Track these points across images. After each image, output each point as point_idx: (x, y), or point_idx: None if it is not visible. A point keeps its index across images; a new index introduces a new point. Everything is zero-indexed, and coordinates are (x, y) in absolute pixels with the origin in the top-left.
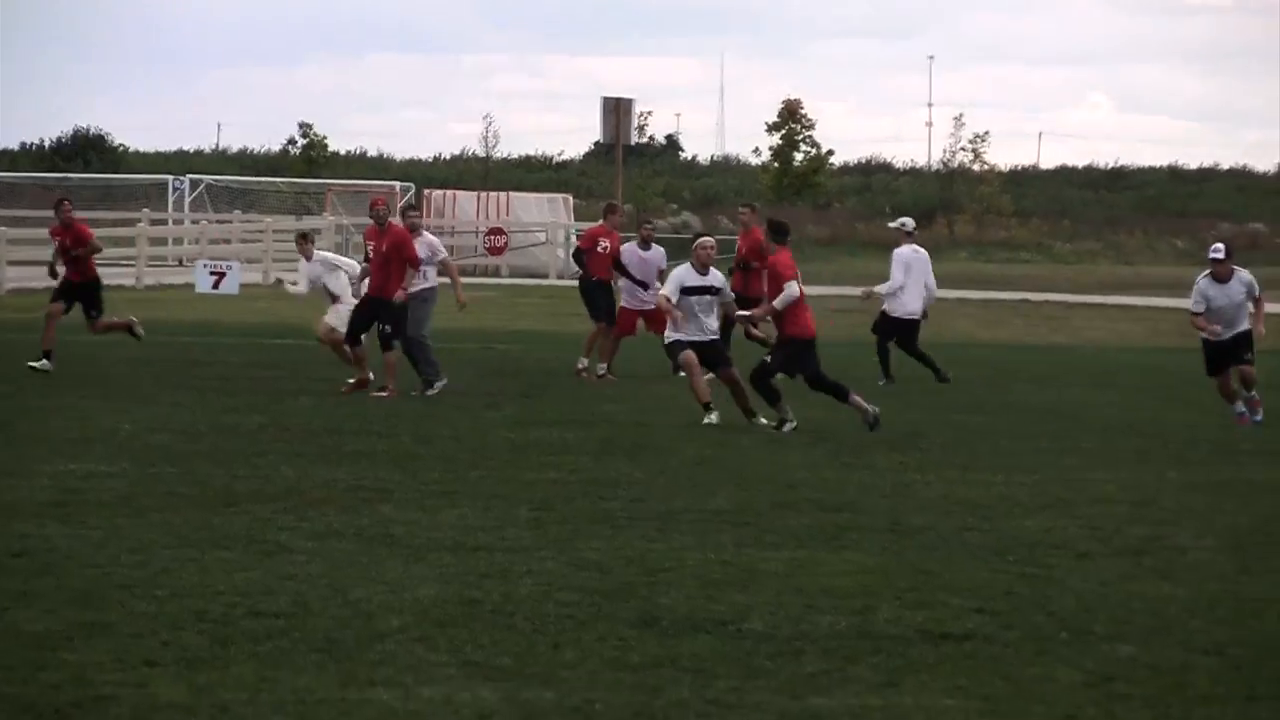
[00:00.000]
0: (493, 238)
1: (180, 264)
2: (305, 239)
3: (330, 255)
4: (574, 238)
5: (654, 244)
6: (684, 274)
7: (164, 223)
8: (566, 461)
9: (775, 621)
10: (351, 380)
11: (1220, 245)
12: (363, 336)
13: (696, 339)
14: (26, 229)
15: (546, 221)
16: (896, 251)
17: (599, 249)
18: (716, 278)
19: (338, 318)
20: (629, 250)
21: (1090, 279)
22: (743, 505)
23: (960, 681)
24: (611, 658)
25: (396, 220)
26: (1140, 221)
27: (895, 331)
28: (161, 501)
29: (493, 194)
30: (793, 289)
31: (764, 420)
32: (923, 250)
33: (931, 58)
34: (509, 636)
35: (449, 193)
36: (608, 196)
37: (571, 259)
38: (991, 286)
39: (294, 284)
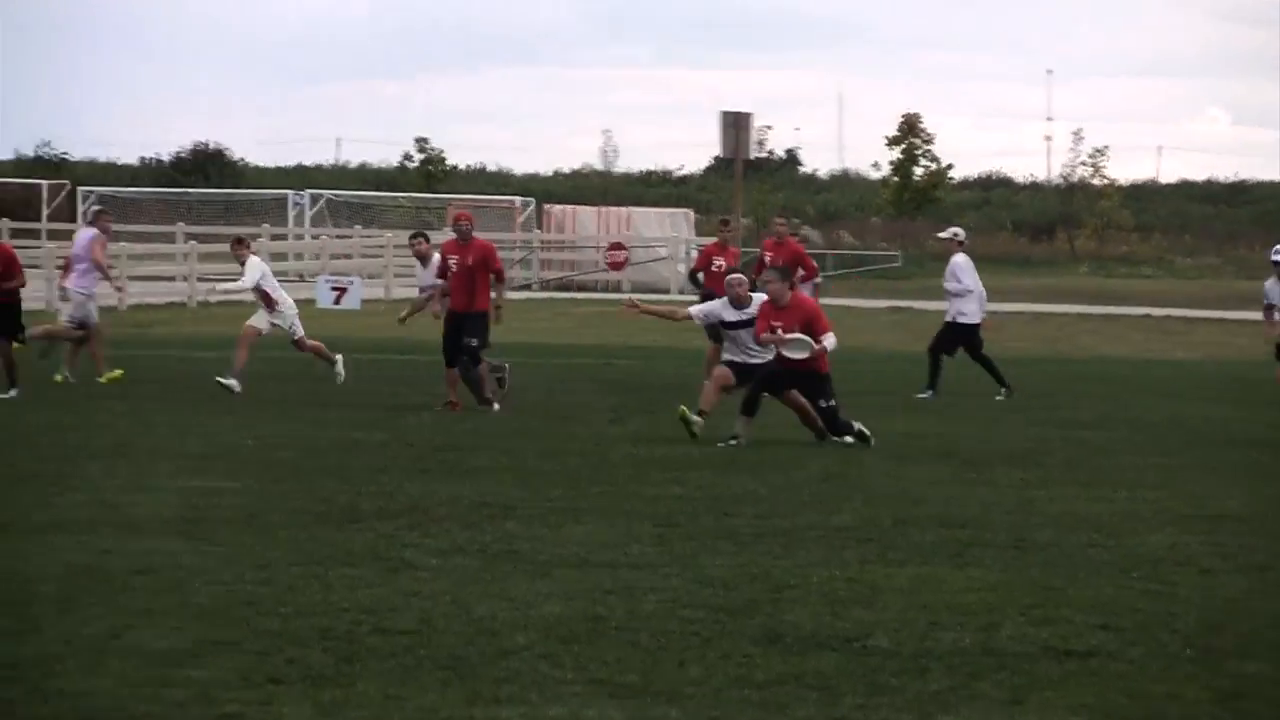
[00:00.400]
0: (613, 253)
1: (301, 279)
2: (241, 243)
3: (258, 262)
4: (694, 253)
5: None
6: (721, 309)
7: (284, 238)
8: (690, 478)
9: (900, 638)
10: (448, 401)
11: None
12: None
13: (743, 360)
14: (148, 244)
15: (667, 236)
16: (956, 259)
17: (714, 267)
18: (758, 306)
19: (265, 321)
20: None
21: (1211, 294)
22: (866, 521)
23: (1085, 699)
24: (737, 675)
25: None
26: (1260, 236)
27: (961, 340)
28: (286, 518)
29: (613, 209)
30: (832, 340)
31: (848, 439)
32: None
33: (1050, 71)
34: (634, 653)
35: (569, 208)
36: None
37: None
38: (1113, 301)
39: (235, 283)
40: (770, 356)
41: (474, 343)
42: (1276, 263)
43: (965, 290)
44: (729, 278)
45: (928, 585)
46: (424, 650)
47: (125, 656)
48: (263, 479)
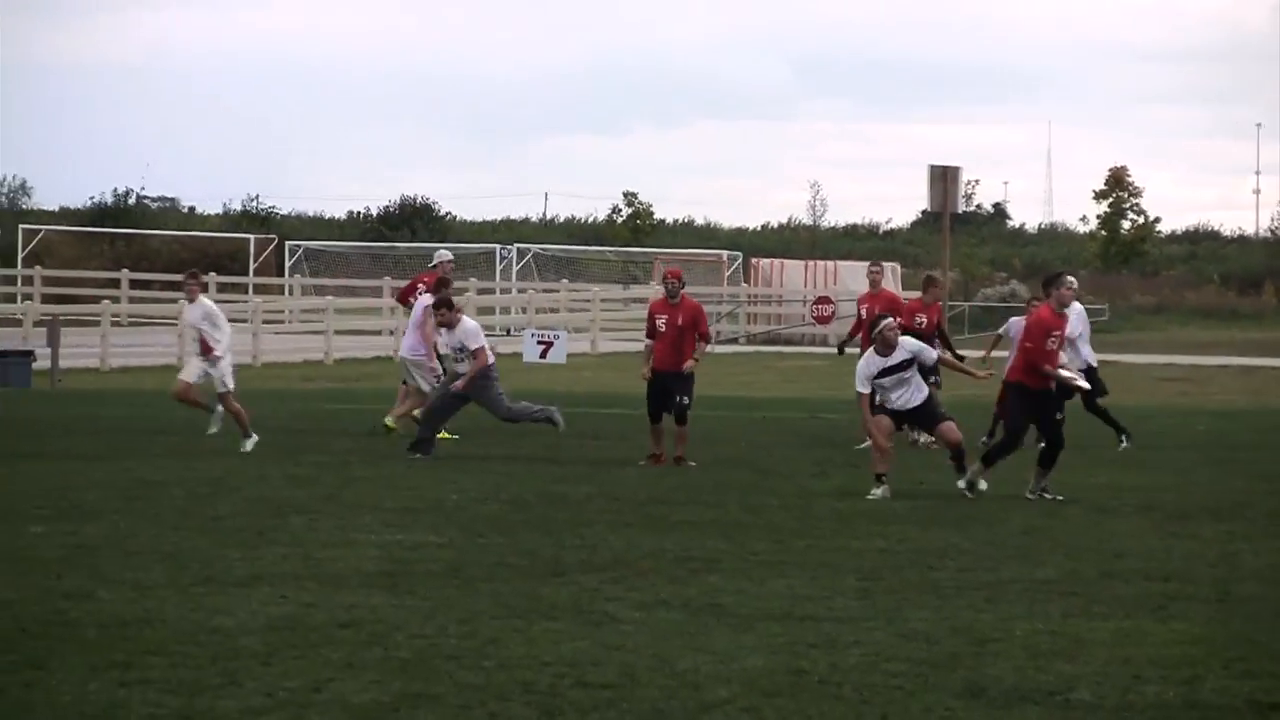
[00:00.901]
0: (820, 306)
1: (508, 333)
2: (194, 277)
3: (214, 308)
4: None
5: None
6: (867, 365)
7: (491, 291)
8: (893, 531)
9: (1102, 691)
10: (652, 454)
11: None
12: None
13: (897, 408)
14: (354, 298)
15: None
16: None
17: (915, 323)
18: (905, 348)
19: (195, 373)
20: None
21: None
22: (1069, 574)
23: None
24: None
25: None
26: None
27: (1097, 381)
28: (489, 572)
29: (820, 262)
30: None
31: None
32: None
33: (1259, 125)
34: (836, 707)
35: (776, 261)
36: (934, 265)
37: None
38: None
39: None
40: (916, 391)
41: (686, 401)
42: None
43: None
44: (883, 323)
45: (1130, 638)
46: (626, 704)
47: (326, 710)
48: (466, 532)
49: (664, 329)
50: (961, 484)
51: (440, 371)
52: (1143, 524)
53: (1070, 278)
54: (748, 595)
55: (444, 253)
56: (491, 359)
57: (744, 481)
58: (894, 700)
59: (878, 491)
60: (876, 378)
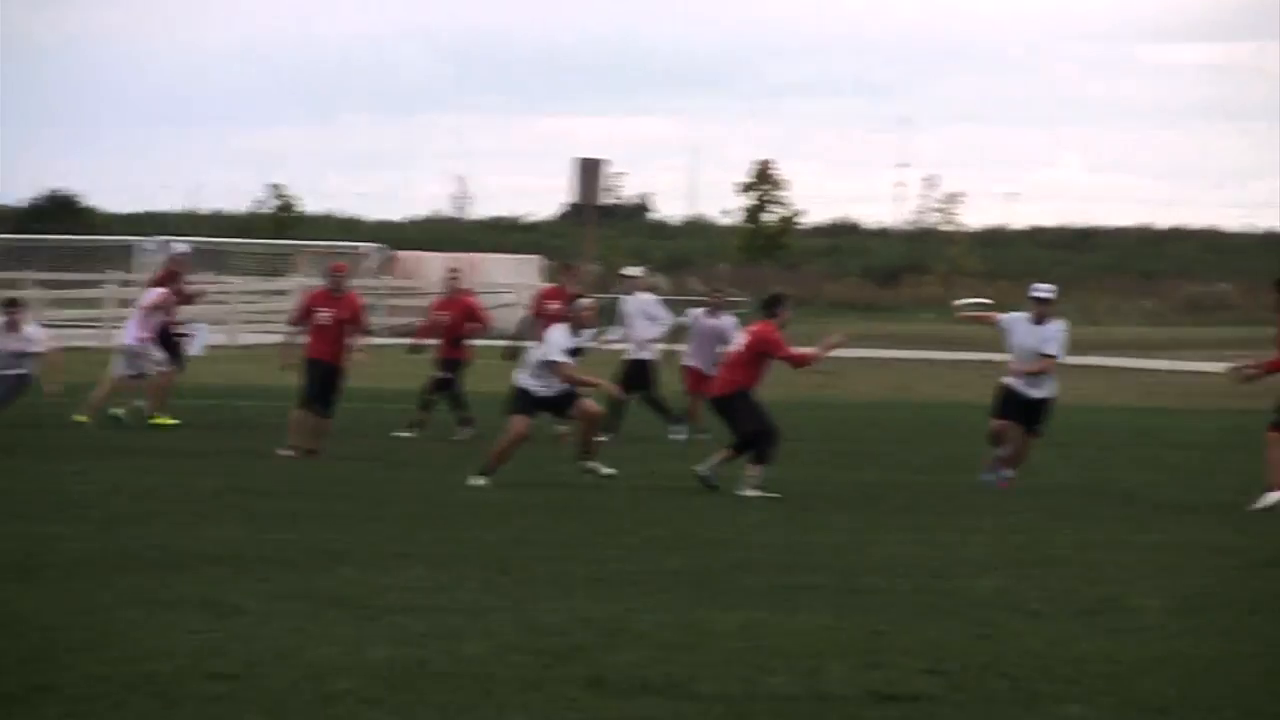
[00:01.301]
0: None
1: None
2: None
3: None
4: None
5: (723, 312)
6: (563, 338)
7: (132, 284)
8: (522, 522)
9: (726, 682)
10: (303, 447)
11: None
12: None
13: (541, 395)
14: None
15: (516, 283)
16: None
17: (550, 310)
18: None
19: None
20: (696, 318)
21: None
22: (698, 566)
23: None
24: (560, 719)
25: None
26: (1108, 282)
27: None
28: (118, 563)
29: (464, 255)
30: None
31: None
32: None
33: (904, 119)
34: (458, 698)
35: (418, 254)
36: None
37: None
38: (958, 347)
39: None
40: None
41: (334, 396)
42: (1040, 299)
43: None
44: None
45: (756, 629)
46: (249, 695)
47: None
48: (98, 524)
49: (327, 322)
50: (702, 470)
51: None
52: (772, 515)
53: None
54: (375, 587)
55: (180, 246)
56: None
57: (374, 474)
58: (517, 691)
59: (480, 481)
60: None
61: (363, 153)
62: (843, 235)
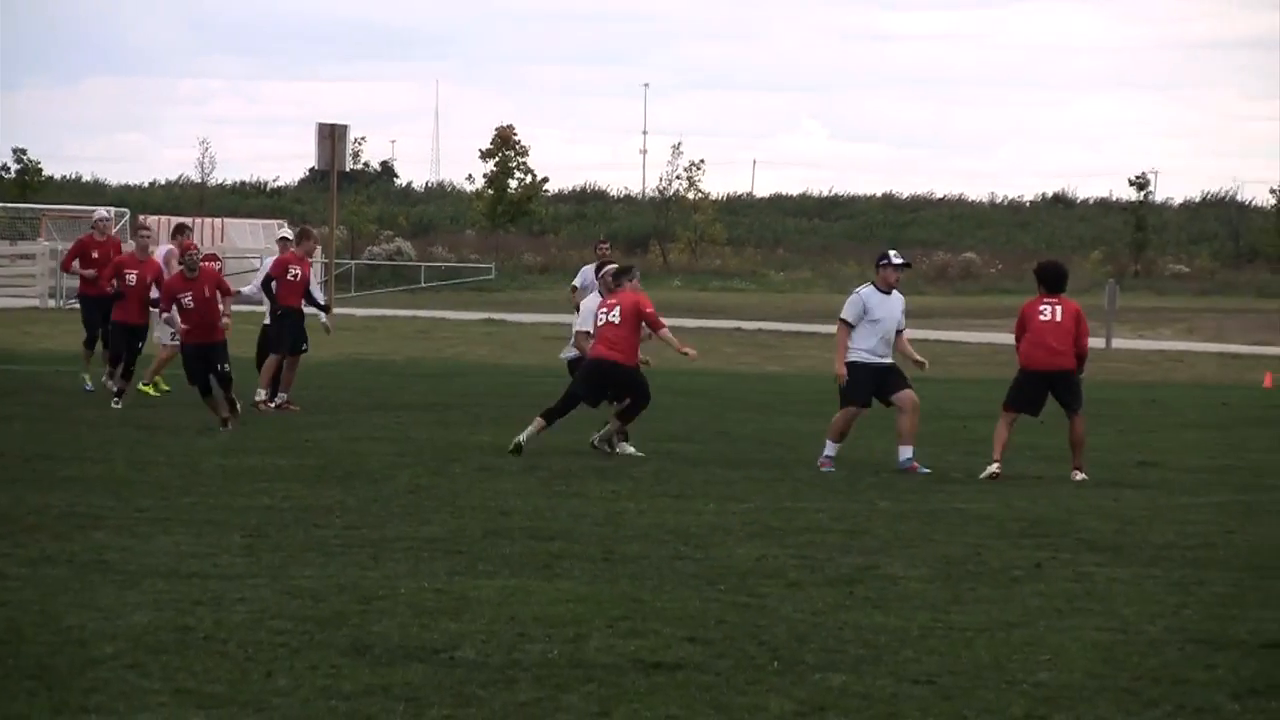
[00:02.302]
0: (206, 264)
1: None
2: None
3: None
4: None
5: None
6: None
7: None
8: (279, 488)
9: (488, 650)
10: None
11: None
12: None
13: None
14: None
15: (261, 248)
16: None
17: (289, 276)
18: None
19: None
20: (585, 272)
21: (803, 307)
22: (455, 533)
23: (672, 710)
24: (324, 686)
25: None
26: (853, 250)
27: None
28: None
29: (208, 220)
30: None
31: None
32: None
33: (647, 85)
34: (221, 663)
35: (163, 219)
36: (323, 223)
37: (260, 287)
38: (705, 315)
39: None
40: None
41: (226, 368)
42: (900, 265)
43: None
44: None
45: (516, 597)
46: (11, 660)
47: None
48: None
49: (191, 305)
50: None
51: None
52: (530, 483)
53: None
54: (133, 552)
55: (101, 211)
56: None
57: (130, 438)
58: (279, 657)
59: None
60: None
61: (105, 117)
62: (589, 202)
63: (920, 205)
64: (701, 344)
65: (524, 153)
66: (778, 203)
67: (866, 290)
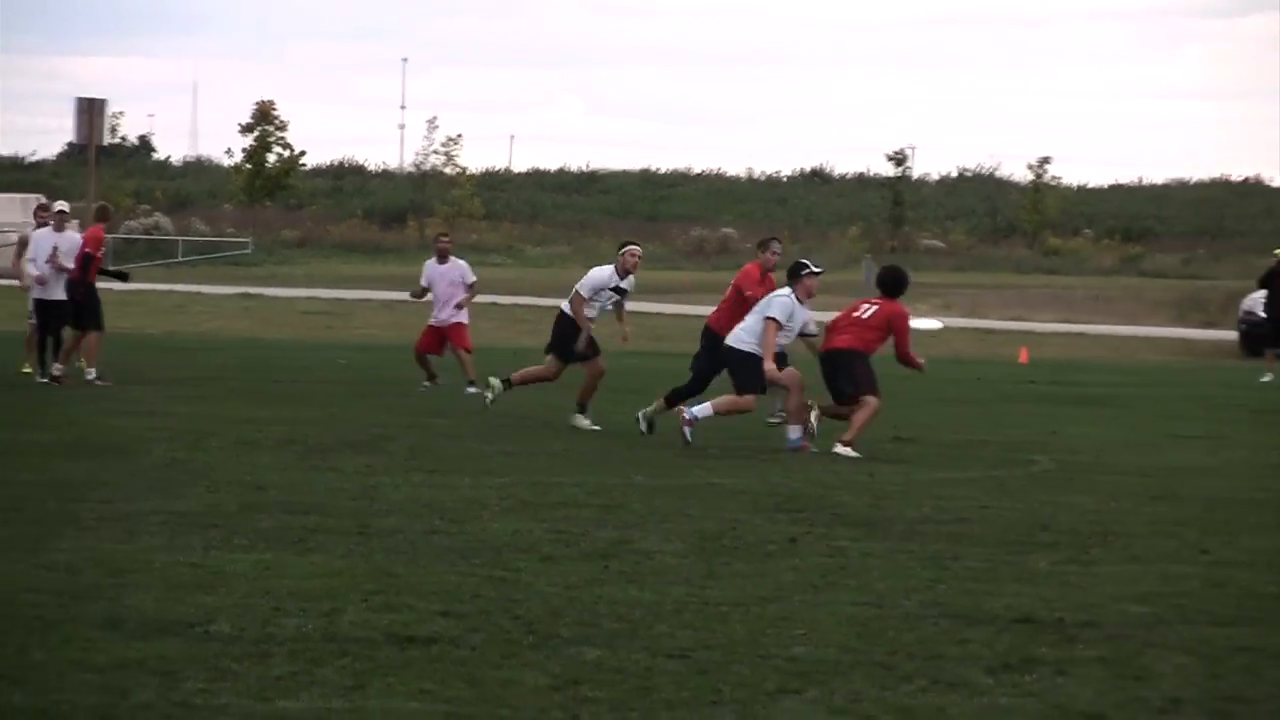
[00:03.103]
0: None
1: None
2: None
3: None
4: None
5: (452, 257)
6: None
7: None
8: (34, 463)
9: (243, 624)
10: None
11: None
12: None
13: None
14: None
15: (19, 221)
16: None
17: (100, 252)
18: None
19: None
20: (429, 265)
21: (560, 282)
22: (210, 507)
23: (426, 685)
24: (77, 659)
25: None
26: (611, 225)
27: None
28: None
29: None
30: None
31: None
32: None
33: (405, 60)
34: None
35: None
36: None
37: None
38: None
39: None
40: None
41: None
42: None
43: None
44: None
45: (271, 571)
46: None
47: None
48: None
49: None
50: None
51: None
52: (285, 457)
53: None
54: None
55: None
56: None
57: None
58: (34, 631)
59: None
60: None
61: None
62: (346, 176)
63: (678, 180)
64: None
65: (283, 127)
66: (535, 178)
67: (792, 299)
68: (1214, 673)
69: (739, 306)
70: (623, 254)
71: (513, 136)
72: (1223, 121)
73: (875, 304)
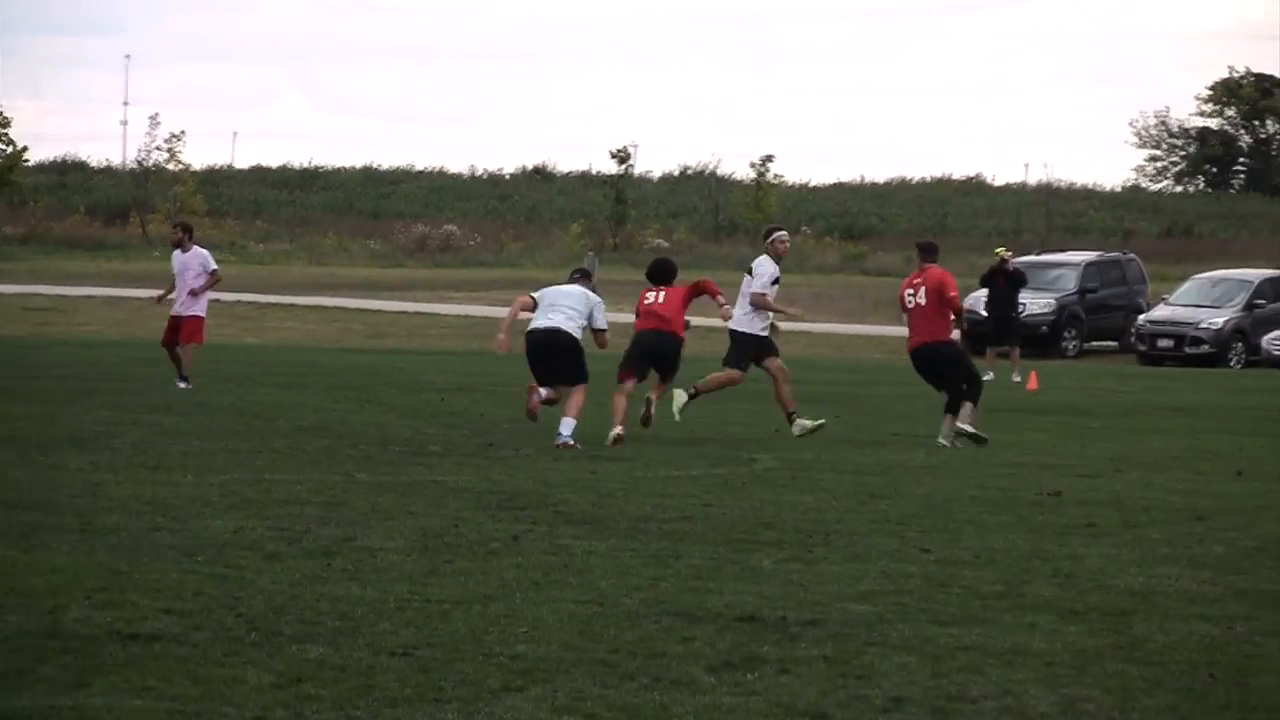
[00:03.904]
0: None
1: None
2: None
3: None
4: None
5: (196, 246)
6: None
7: None
8: None
9: None
10: None
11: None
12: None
13: None
14: None
15: None
16: None
17: None
18: None
19: None
20: (175, 254)
21: (283, 279)
22: None
23: (150, 682)
24: None
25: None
26: (333, 222)
27: None
28: None
29: None
30: None
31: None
32: None
33: (129, 57)
34: None
35: None
36: None
37: None
38: None
39: None
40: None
41: None
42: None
43: None
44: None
45: None
46: None
47: None
48: None
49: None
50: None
51: None
52: (7, 454)
53: None
54: None
55: None
56: None
57: None
58: None
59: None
60: None
61: None
62: (69, 173)
63: (400, 177)
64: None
65: (6, 124)
66: (258, 174)
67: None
68: (936, 671)
69: None
70: (773, 241)
71: (235, 133)
72: (944, 120)
73: (661, 290)
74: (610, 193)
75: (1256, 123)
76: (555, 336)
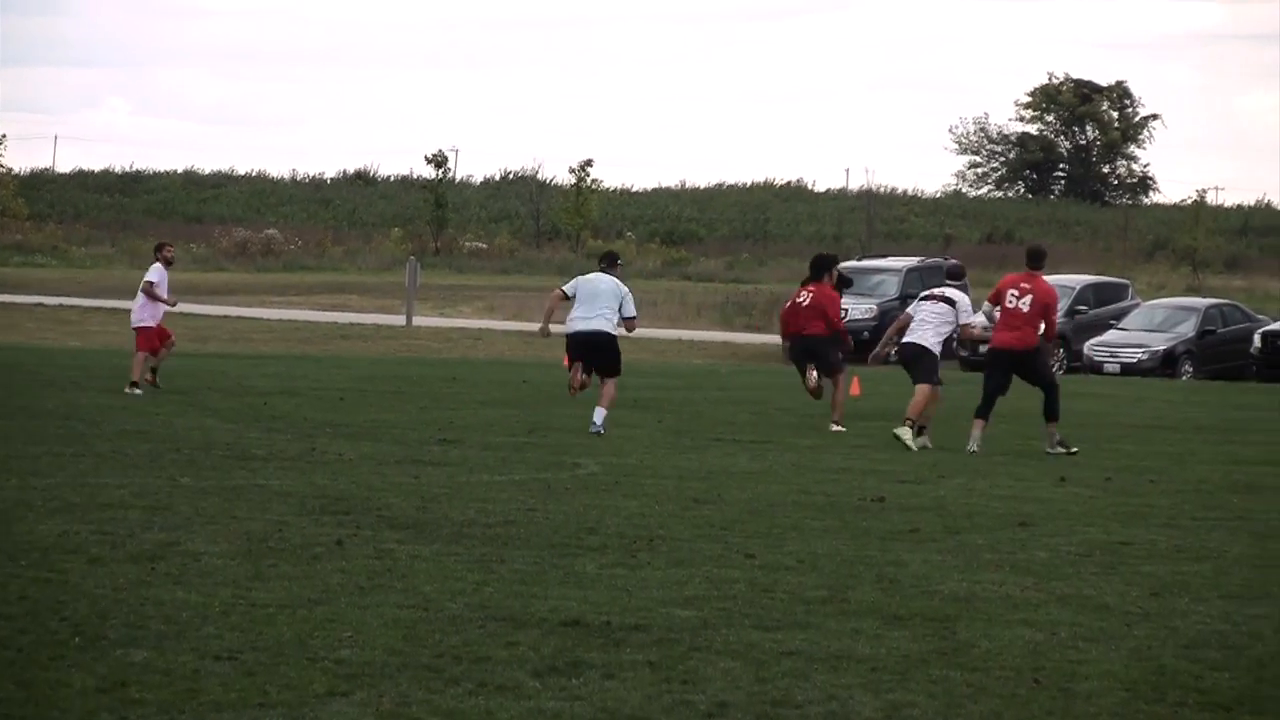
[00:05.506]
0: None
1: None
2: None
3: None
4: None
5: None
6: None
7: None
8: None
9: None
10: None
11: None
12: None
13: None
14: None
15: None
16: None
17: None
18: None
19: None
20: (156, 270)
21: (104, 283)
22: None
23: None
24: None
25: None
26: (154, 226)
27: None
28: None
29: None
30: None
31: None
32: None
33: None
34: None
35: None
36: None
37: None
38: (6, 290)
39: None
40: None
41: None
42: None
43: None
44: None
45: None
46: None
47: None
48: None
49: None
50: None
51: None
52: None
53: None
54: None
55: None
56: None
57: None
58: None
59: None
60: None
61: None
62: None
63: (222, 181)
64: (2, 320)
65: None
66: (79, 178)
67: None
68: (761, 676)
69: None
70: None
71: (56, 137)
72: (765, 125)
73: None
74: (430, 197)
75: (1075, 129)
76: (597, 338)
